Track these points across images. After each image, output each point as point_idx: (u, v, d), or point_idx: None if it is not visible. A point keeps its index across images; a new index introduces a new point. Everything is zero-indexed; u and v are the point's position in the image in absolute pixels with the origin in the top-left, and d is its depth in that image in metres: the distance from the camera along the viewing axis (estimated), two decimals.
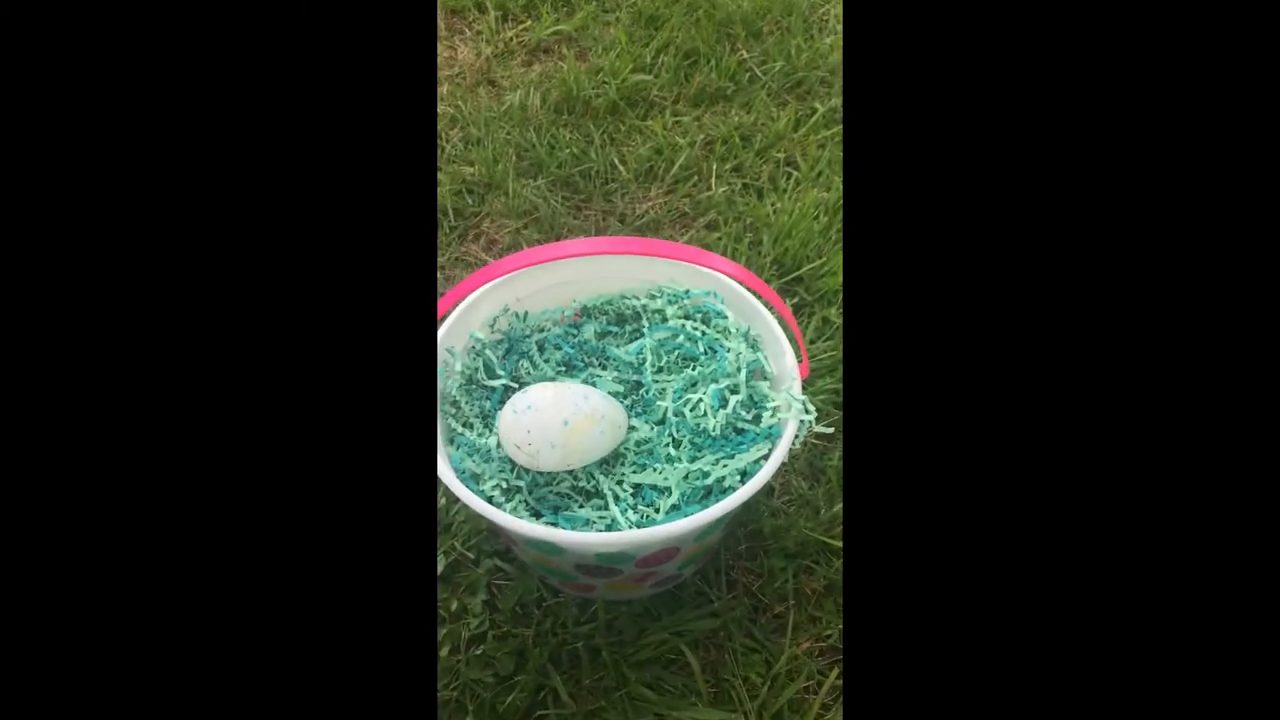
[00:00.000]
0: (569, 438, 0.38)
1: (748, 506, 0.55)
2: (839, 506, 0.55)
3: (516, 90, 0.88)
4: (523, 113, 0.85)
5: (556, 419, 0.38)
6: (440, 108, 0.87)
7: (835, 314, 0.66)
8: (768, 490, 0.57)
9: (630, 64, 0.91)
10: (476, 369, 0.43)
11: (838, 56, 0.93)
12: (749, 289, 0.45)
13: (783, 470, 0.58)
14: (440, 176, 0.77)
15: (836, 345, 0.63)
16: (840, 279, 0.68)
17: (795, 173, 0.79)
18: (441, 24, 1.00)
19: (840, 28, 0.98)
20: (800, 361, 0.42)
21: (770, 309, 0.44)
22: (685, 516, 0.36)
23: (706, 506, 0.36)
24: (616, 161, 0.80)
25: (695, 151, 0.81)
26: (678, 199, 0.77)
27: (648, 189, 0.78)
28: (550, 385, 0.40)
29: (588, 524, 0.40)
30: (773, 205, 0.75)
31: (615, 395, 0.44)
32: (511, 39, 0.97)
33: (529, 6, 1.02)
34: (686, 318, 0.46)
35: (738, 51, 0.94)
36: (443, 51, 0.96)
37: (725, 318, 0.45)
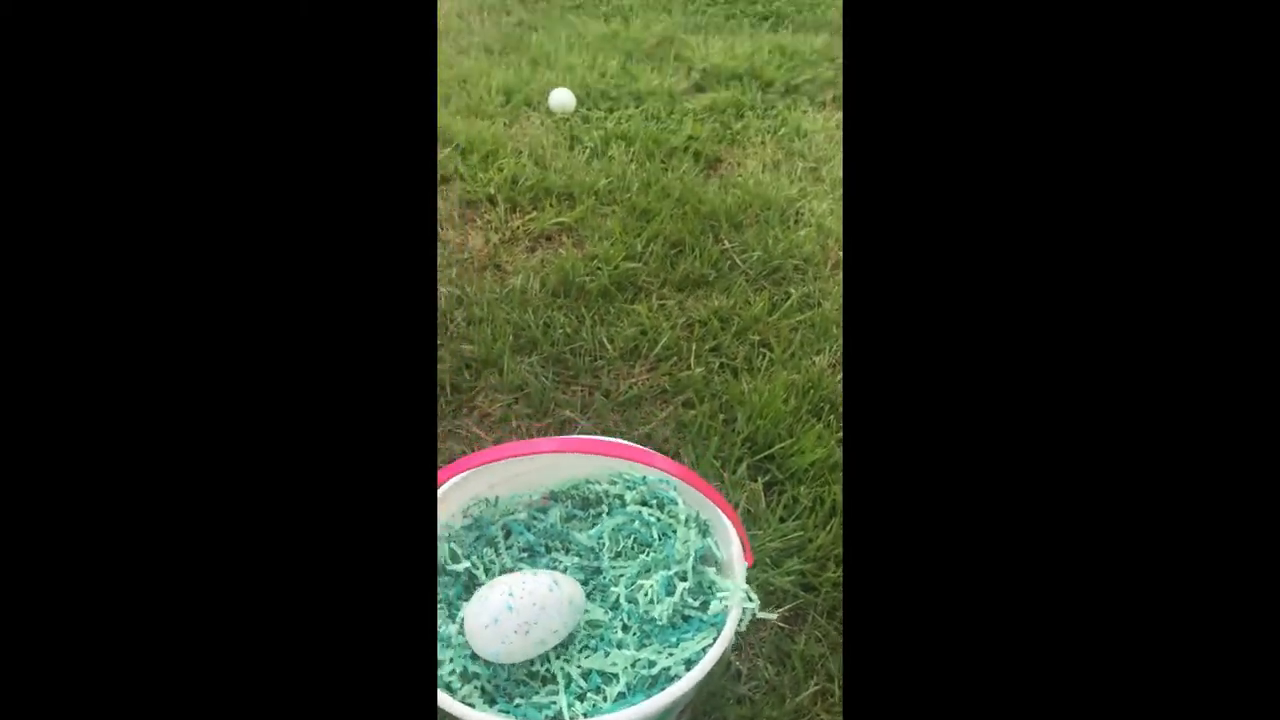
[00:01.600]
0: (542, 619, 0.40)
1: (711, 695, 0.55)
2: (805, 694, 0.55)
3: (519, 274, 0.98)
4: (522, 295, 0.94)
5: (528, 603, 0.41)
6: (448, 289, 0.95)
7: (804, 493, 0.69)
8: (735, 675, 0.57)
9: (623, 252, 1.01)
10: (442, 556, 0.46)
11: (810, 246, 1.02)
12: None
13: (749, 654, 0.58)
14: (442, 354, 0.84)
15: (804, 525, 0.66)
16: (809, 458, 0.71)
17: (769, 354, 0.85)
18: (456, 215, 1.12)
19: (813, 220, 1.09)
20: (745, 550, 0.45)
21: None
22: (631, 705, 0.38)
23: (652, 696, 0.37)
24: (605, 340, 0.87)
25: (677, 333, 0.88)
26: (659, 376, 0.82)
27: (632, 366, 0.84)
28: (523, 575, 0.42)
29: (540, 711, 0.41)
30: (748, 384, 0.80)
31: (576, 579, 0.46)
32: (518, 228, 1.09)
33: (535, 200, 1.14)
34: (643, 503, 0.49)
35: (720, 242, 1.04)
36: (455, 238, 1.07)
37: (676, 504, 0.48)
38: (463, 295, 0.94)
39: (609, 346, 0.86)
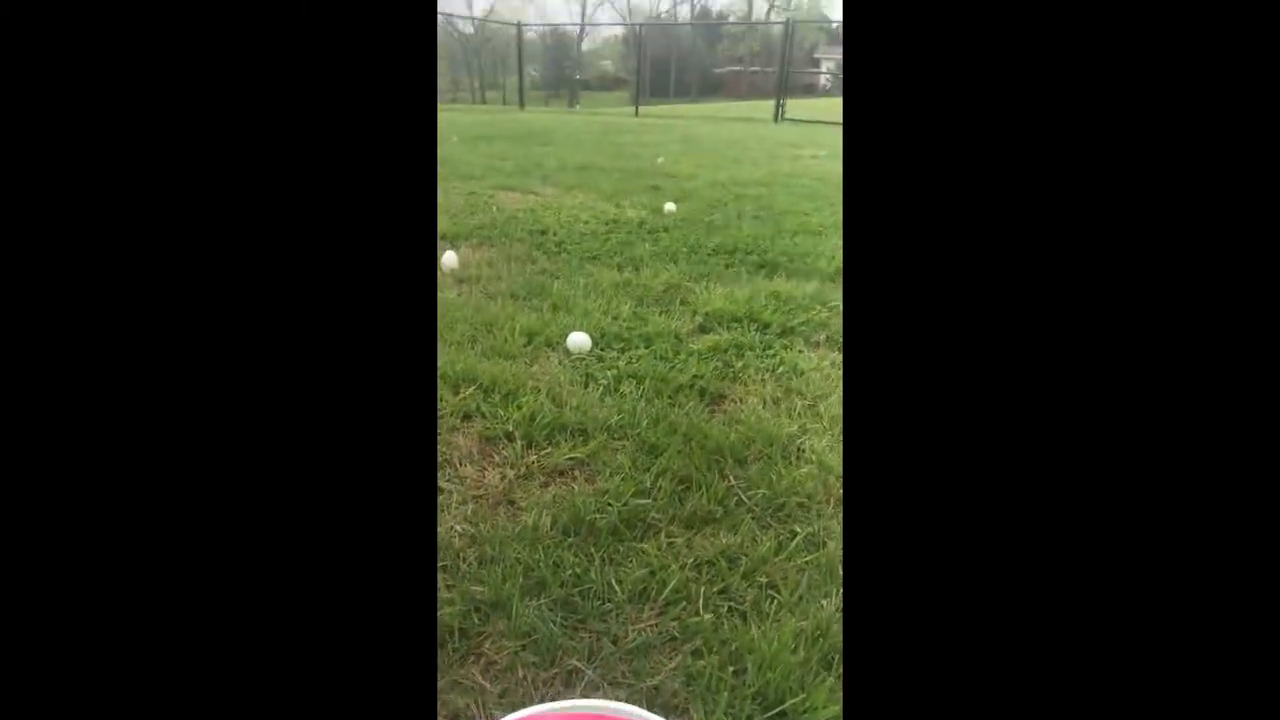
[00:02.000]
0: None
1: None
2: None
3: (531, 510, 1.01)
4: (534, 533, 0.96)
5: None
6: (462, 527, 0.98)
7: None
8: None
9: (632, 488, 1.05)
10: None
11: (812, 484, 1.06)
12: None
13: None
14: (451, 596, 0.85)
15: None
16: (822, 715, 0.69)
17: (777, 597, 0.85)
18: (475, 450, 1.18)
19: (814, 458, 1.14)
20: None
21: None
22: None
23: None
24: (614, 582, 0.88)
25: (685, 573, 0.89)
26: (668, 622, 0.82)
27: (640, 610, 0.84)
28: None
29: None
30: (757, 631, 0.80)
31: None
32: (533, 463, 1.14)
33: (550, 436, 1.21)
34: None
35: (725, 478, 1.08)
36: (474, 474, 1.12)
37: None
38: (475, 534, 0.97)
39: (618, 589, 0.87)
